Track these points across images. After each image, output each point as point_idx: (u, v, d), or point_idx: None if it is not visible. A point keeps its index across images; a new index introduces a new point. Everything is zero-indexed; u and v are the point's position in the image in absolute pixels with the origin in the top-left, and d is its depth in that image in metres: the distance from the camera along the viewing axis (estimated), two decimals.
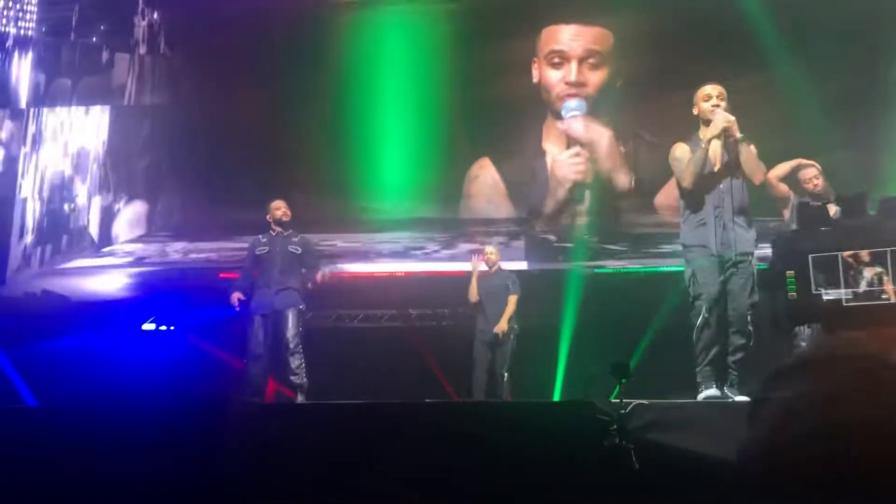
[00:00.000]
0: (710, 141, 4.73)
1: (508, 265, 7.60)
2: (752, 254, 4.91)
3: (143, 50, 9.02)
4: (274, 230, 6.42)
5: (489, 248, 7.36)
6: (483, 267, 7.22)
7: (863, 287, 4.37)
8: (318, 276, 6.34)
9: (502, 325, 7.00)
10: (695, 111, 4.97)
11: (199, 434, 3.97)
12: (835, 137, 7.34)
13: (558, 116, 8.54)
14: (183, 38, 9.19)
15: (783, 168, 6.00)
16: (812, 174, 5.68)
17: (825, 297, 4.42)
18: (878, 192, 5.69)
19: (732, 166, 4.82)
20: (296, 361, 6.11)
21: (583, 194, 8.42)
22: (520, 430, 4.16)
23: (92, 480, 3.96)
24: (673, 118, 7.58)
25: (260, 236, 6.51)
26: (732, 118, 4.76)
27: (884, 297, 4.33)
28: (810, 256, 4.45)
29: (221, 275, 7.85)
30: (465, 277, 7.32)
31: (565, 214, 8.56)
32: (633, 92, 8.35)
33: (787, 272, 4.54)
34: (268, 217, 6.46)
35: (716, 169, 4.78)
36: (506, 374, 6.95)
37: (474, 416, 4.44)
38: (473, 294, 7.13)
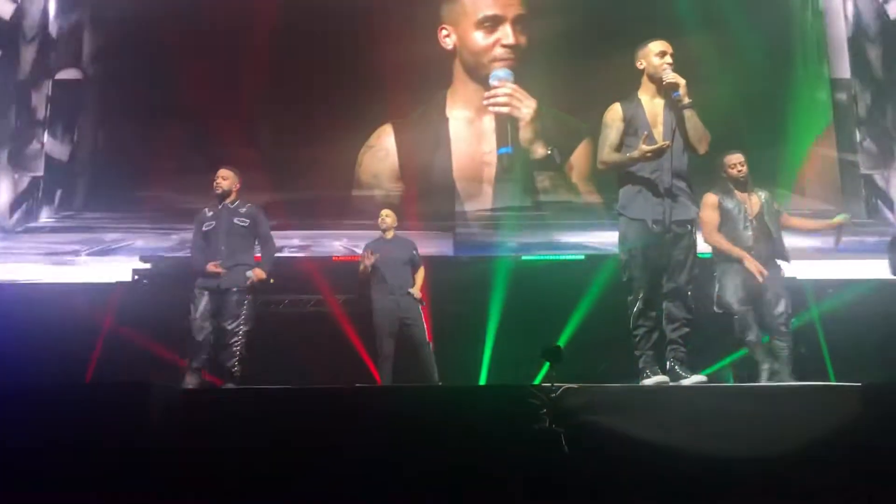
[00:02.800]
0: (640, 155, 4.43)
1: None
2: (693, 222, 4.70)
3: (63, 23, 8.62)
4: (221, 203, 5.99)
5: (384, 211, 6.83)
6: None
7: None
8: (259, 274, 5.94)
9: (418, 292, 6.54)
10: (639, 65, 4.66)
11: (118, 422, 3.81)
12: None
13: (479, 81, 8.44)
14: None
15: (811, 224, 5.99)
16: (738, 159, 5.69)
17: None
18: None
19: (672, 130, 4.57)
20: (233, 347, 5.74)
21: (511, 162, 8.33)
22: (451, 413, 4.13)
23: (9, 469, 3.77)
24: (596, 87, 7.66)
25: (206, 209, 6.06)
26: (683, 80, 4.51)
27: None
28: None
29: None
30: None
31: (478, 185, 8.46)
32: (556, 60, 8.34)
33: None
34: (214, 181, 6.01)
35: (657, 133, 4.57)
36: (430, 346, 6.47)
37: (404, 400, 4.37)
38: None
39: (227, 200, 6.00)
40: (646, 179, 4.61)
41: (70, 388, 4.30)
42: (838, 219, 5.75)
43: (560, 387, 4.07)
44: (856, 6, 8.82)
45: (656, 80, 4.62)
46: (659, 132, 4.61)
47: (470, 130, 8.51)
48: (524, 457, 3.90)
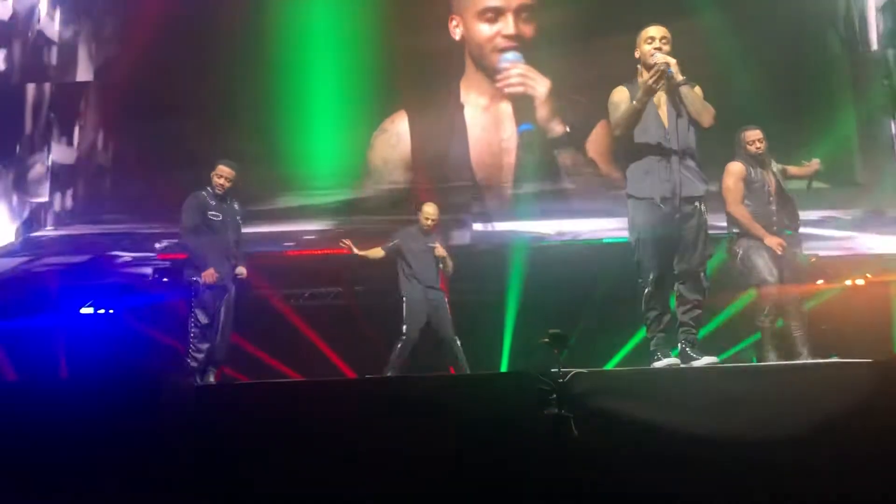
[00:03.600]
0: (645, 91, 4.45)
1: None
2: (702, 199, 4.66)
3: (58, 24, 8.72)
4: (217, 194, 5.92)
5: (429, 207, 6.59)
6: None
7: None
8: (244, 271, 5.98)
9: (441, 251, 6.45)
10: (636, 54, 4.71)
11: (132, 415, 3.90)
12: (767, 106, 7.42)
13: (488, 71, 8.48)
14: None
15: (801, 170, 5.80)
16: (757, 136, 5.58)
17: None
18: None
19: (676, 108, 4.58)
20: (228, 340, 5.85)
21: (532, 139, 8.34)
22: (462, 400, 4.16)
23: (26, 461, 3.89)
24: (604, 70, 7.62)
25: (206, 196, 5.91)
26: (673, 59, 4.50)
27: None
28: None
29: (160, 255, 7.69)
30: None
31: (496, 173, 8.46)
32: (563, 46, 8.36)
33: None
34: (212, 180, 5.91)
35: (662, 112, 4.58)
36: (457, 339, 6.45)
37: (417, 389, 4.41)
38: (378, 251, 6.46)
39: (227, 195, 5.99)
40: (653, 159, 4.60)
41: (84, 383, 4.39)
42: (815, 162, 5.69)
43: (569, 372, 4.08)
44: None
45: (648, 67, 4.61)
46: (664, 112, 4.62)
47: (486, 118, 8.53)
48: (534, 441, 3.91)
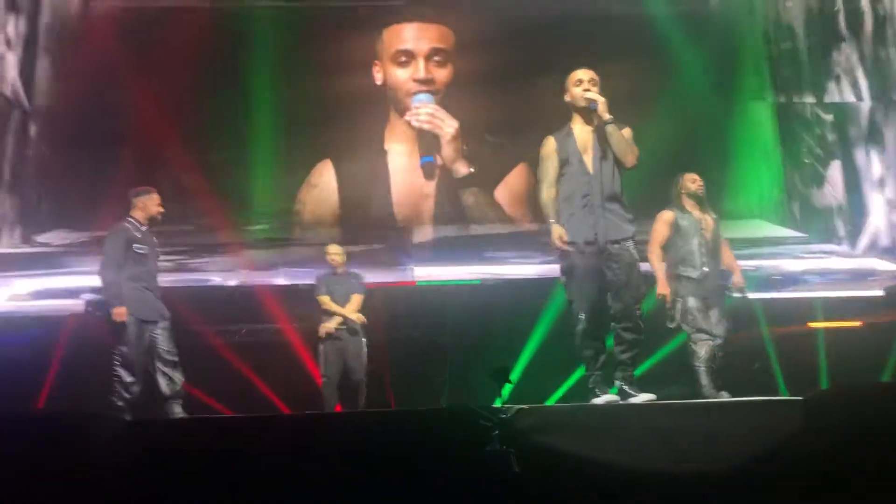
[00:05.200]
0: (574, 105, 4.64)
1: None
2: (630, 240, 4.70)
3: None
4: (143, 225, 5.78)
5: (333, 248, 6.92)
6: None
7: None
8: None
9: (359, 317, 6.65)
10: (566, 98, 4.76)
11: (61, 451, 3.76)
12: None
13: (404, 115, 8.58)
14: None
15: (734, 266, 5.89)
16: (696, 176, 5.79)
17: None
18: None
19: (601, 152, 4.65)
20: (178, 371, 5.67)
21: (432, 171, 8.45)
22: (402, 436, 4.14)
23: None
24: (521, 113, 8.00)
25: (130, 228, 5.75)
26: (602, 98, 4.60)
27: None
28: None
29: None
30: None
31: (413, 215, 8.57)
32: (478, 89, 8.54)
33: None
34: (146, 210, 5.78)
35: (587, 158, 4.66)
36: (364, 380, 6.67)
37: (355, 425, 4.37)
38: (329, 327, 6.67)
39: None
40: (576, 204, 4.68)
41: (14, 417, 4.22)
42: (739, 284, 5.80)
43: (511, 407, 4.10)
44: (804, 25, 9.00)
45: (581, 109, 4.73)
46: (589, 158, 4.69)
47: (409, 163, 8.62)
48: (475, 477, 3.90)
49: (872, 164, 8.42)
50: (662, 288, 5.51)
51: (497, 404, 4.40)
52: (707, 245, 5.67)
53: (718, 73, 8.77)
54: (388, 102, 8.70)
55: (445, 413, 4.89)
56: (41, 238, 8.31)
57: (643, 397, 4.62)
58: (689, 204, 5.76)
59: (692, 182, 5.76)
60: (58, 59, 8.60)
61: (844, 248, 8.39)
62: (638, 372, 4.90)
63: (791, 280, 7.98)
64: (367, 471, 3.97)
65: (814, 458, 3.89)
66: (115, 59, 8.18)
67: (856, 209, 8.38)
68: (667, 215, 5.74)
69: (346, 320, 6.64)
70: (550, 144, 4.77)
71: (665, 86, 8.30)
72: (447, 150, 8.50)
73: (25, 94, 8.48)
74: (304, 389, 6.91)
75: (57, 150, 8.45)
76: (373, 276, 7.24)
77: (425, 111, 8.46)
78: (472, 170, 8.51)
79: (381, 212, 8.50)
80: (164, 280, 6.15)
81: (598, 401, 4.66)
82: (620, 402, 4.60)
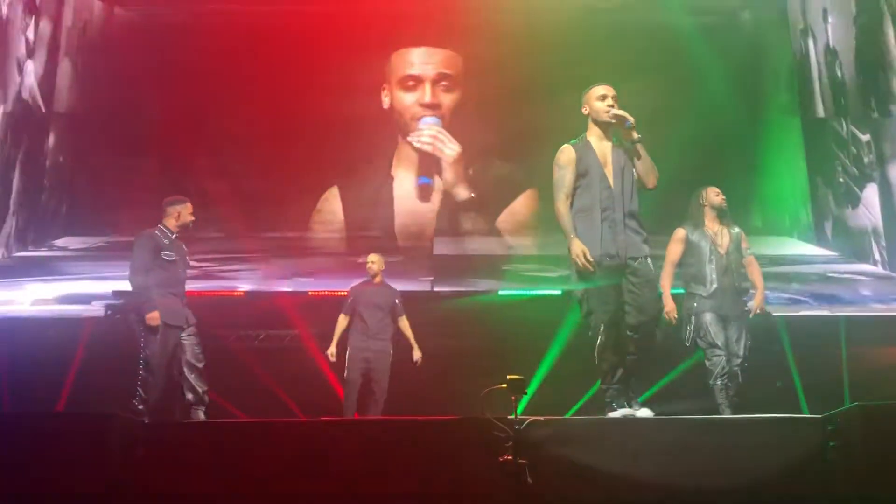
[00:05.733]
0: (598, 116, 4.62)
1: None
2: (648, 257, 4.68)
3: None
4: (173, 233, 5.85)
5: (373, 257, 6.99)
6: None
7: None
8: None
9: (418, 354, 6.84)
10: (584, 111, 4.75)
11: (79, 452, 3.80)
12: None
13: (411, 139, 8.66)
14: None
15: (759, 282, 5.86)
16: (717, 190, 5.77)
17: None
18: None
19: (621, 168, 4.64)
20: (203, 377, 5.71)
21: (429, 193, 8.56)
22: (416, 446, 4.13)
23: None
24: (529, 137, 7.97)
25: (159, 235, 5.81)
26: (632, 118, 4.59)
27: None
28: None
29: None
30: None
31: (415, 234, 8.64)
32: (486, 114, 8.56)
33: None
34: (181, 218, 5.84)
35: (608, 171, 4.64)
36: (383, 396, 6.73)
37: (371, 432, 4.38)
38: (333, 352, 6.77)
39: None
40: (596, 218, 4.62)
41: (31, 418, 4.27)
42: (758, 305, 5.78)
43: (525, 419, 4.08)
44: (827, 47, 8.90)
45: (601, 124, 4.71)
46: (609, 171, 4.67)
47: (414, 187, 8.67)
48: (488, 488, 3.90)
49: None
50: (669, 306, 5.52)
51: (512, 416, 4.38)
52: (720, 261, 5.66)
53: (745, 87, 8.70)
54: (394, 127, 8.76)
55: (460, 423, 4.88)
56: (59, 242, 8.46)
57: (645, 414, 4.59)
58: (709, 217, 5.75)
59: (716, 195, 5.76)
60: (79, 65, 8.74)
61: (879, 269, 8.24)
62: (655, 388, 4.89)
63: (819, 298, 7.88)
64: (381, 479, 3.99)
65: (836, 477, 3.85)
66: (136, 67, 8.28)
67: (891, 230, 8.12)
68: (679, 233, 5.75)
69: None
70: (569, 153, 4.69)
71: (688, 101, 8.24)
72: (448, 174, 8.58)
73: (45, 99, 8.59)
74: (321, 395, 6.94)
75: (77, 157, 8.59)
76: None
77: (428, 133, 8.54)
78: (472, 194, 8.58)
79: (383, 234, 8.57)
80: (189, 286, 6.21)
81: (614, 414, 4.62)
82: (636, 417, 4.57)
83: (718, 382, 5.47)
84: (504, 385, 4.18)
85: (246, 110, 8.37)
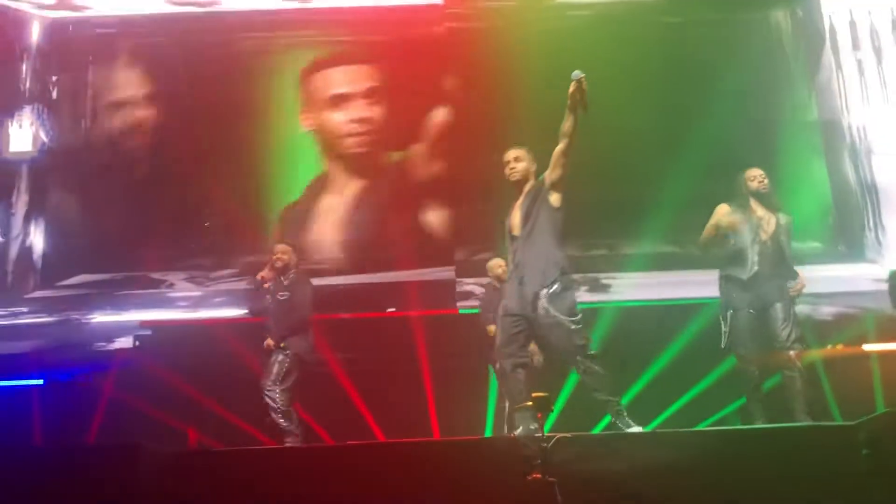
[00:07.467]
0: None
1: None
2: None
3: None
4: (282, 277, 6.31)
5: (495, 262, 6.88)
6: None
7: None
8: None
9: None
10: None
11: (106, 483, 3.82)
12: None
13: (336, 159, 8.75)
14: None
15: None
16: (758, 172, 5.43)
17: None
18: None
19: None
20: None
21: None
22: (446, 467, 4.12)
23: None
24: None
25: (283, 280, 6.29)
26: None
27: None
28: None
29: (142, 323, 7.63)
30: None
31: None
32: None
33: None
34: (271, 268, 6.30)
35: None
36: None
37: (401, 454, 4.37)
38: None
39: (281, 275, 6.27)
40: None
41: (60, 450, 4.30)
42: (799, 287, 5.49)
43: (553, 436, 4.05)
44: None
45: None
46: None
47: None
48: None
49: None
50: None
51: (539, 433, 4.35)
52: (763, 245, 5.32)
53: (765, 88, 8.64)
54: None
55: (488, 442, 4.87)
56: (67, 282, 8.51)
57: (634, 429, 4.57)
58: (753, 203, 5.41)
59: (752, 180, 5.42)
60: (73, 105, 8.89)
61: None
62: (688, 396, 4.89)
63: (843, 300, 7.77)
64: (414, 500, 3.99)
65: (868, 484, 3.78)
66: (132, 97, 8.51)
67: None
68: (722, 208, 5.44)
69: None
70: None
71: (708, 101, 8.14)
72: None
73: (44, 140, 8.77)
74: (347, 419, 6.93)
75: (75, 195, 8.72)
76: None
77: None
78: None
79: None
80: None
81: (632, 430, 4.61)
82: (669, 431, 4.56)
83: (750, 393, 5.36)
84: (530, 403, 4.15)
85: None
